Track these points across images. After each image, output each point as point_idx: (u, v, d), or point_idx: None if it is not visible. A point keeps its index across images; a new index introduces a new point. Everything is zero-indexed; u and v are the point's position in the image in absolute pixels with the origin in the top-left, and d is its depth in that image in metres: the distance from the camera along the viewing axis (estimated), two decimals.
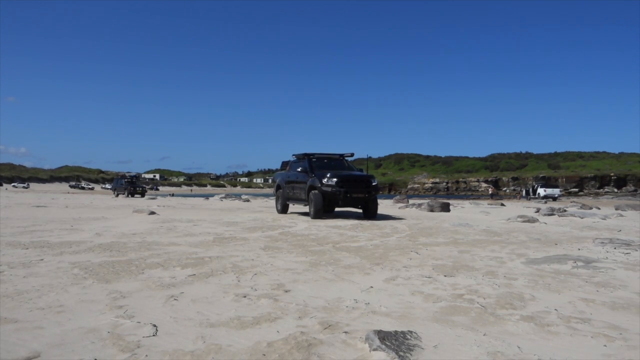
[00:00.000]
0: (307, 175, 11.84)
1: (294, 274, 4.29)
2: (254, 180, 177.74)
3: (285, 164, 14.14)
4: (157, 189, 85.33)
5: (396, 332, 2.53)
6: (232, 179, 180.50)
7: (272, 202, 26.46)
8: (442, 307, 3.21)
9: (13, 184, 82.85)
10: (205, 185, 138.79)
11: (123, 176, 42.40)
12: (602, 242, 6.74)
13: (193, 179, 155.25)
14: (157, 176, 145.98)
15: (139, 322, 2.74)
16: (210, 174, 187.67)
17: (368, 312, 3.04)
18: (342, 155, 13.31)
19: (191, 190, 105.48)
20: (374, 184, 11.68)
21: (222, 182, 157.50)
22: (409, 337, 2.49)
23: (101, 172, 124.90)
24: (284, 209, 13.53)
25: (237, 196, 31.97)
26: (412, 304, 3.28)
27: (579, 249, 6.16)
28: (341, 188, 11.06)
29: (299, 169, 12.34)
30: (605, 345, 2.50)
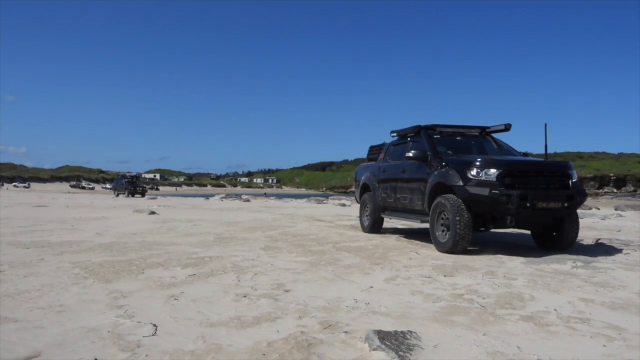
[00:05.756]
0: (426, 165, 6.40)
1: (294, 273, 4.29)
2: (254, 180, 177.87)
3: (375, 150, 8.60)
4: (157, 189, 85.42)
5: (396, 332, 2.54)
6: (232, 179, 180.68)
7: (272, 202, 24.87)
8: (441, 307, 3.21)
9: (14, 183, 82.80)
10: (205, 185, 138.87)
11: (123, 176, 42.39)
12: (602, 242, 6.74)
13: (193, 179, 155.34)
14: (157, 176, 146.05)
15: (139, 322, 2.75)
16: (211, 174, 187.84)
17: (368, 312, 3.04)
18: (485, 129, 7.34)
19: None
20: (574, 180, 5.83)
21: (222, 182, 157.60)
22: (408, 336, 2.50)
23: (101, 172, 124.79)
24: (375, 226, 7.97)
25: (238, 196, 31.93)
26: (412, 304, 3.28)
27: (578, 249, 6.15)
28: (510, 189, 5.42)
29: (410, 154, 6.47)
30: (604, 345, 2.50)
